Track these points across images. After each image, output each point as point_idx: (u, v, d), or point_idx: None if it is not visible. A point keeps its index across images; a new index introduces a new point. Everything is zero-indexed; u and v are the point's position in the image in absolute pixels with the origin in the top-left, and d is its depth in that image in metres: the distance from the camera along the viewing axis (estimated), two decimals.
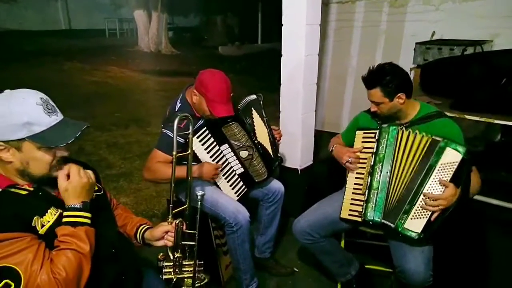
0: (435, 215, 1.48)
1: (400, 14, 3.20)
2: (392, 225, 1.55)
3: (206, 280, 1.41)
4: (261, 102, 2.03)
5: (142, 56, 11.32)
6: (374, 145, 1.65)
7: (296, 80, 2.45)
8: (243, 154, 1.93)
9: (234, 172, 1.94)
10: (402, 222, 1.53)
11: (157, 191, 3.18)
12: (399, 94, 1.58)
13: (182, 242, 1.34)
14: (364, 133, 1.73)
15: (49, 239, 1.01)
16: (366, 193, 1.62)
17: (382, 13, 3.30)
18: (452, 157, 1.48)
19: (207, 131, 1.82)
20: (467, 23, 2.87)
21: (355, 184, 1.71)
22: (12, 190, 1.02)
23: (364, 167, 1.68)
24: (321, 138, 3.01)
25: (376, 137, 1.66)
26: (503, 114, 2.11)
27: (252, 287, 2.00)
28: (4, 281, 0.90)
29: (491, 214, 2.23)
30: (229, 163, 1.92)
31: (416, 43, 2.84)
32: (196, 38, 14.60)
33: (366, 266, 2.05)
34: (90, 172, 1.12)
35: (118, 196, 3.11)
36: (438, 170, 1.50)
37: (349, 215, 1.67)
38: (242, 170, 1.94)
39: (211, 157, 1.86)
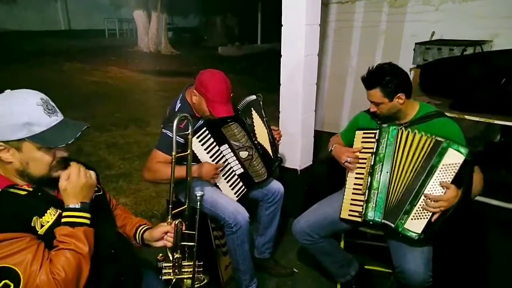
0: (435, 216, 1.47)
1: (400, 14, 3.21)
2: (392, 225, 1.55)
3: (205, 281, 1.40)
4: (261, 103, 2.03)
5: (141, 56, 11.30)
6: (374, 145, 1.65)
7: (296, 80, 2.45)
8: (243, 154, 1.93)
9: (233, 173, 1.94)
10: (403, 222, 1.53)
11: (156, 191, 3.18)
12: (398, 94, 1.58)
13: (182, 243, 1.34)
14: (364, 133, 1.73)
15: (49, 239, 1.00)
16: (366, 193, 1.62)
17: (382, 13, 3.30)
18: (454, 158, 1.47)
19: (207, 131, 1.82)
20: (467, 23, 2.87)
21: (355, 184, 1.70)
22: (12, 190, 1.02)
23: (364, 167, 1.68)
24: (321, 138, 3.01)
25: (376, 137, 1.65)
26: (502, 114, 2.12)
27: None
28: (3, 282, 0.90)
29: (491, 215, 2.23)
30: (228, 163, 1.92)
31: (416, 43, 2.85)
32: (195, 39, 14.58)
33: (366, 267, 2.05)
34: (92, 172, 1.12)
35: (117, 196, 3.11)
36: (440, 171, 1.49)
37: (349, 215, 1.67)
38: (241, 170, 1.94)
39: (211, 157, 1.86)
